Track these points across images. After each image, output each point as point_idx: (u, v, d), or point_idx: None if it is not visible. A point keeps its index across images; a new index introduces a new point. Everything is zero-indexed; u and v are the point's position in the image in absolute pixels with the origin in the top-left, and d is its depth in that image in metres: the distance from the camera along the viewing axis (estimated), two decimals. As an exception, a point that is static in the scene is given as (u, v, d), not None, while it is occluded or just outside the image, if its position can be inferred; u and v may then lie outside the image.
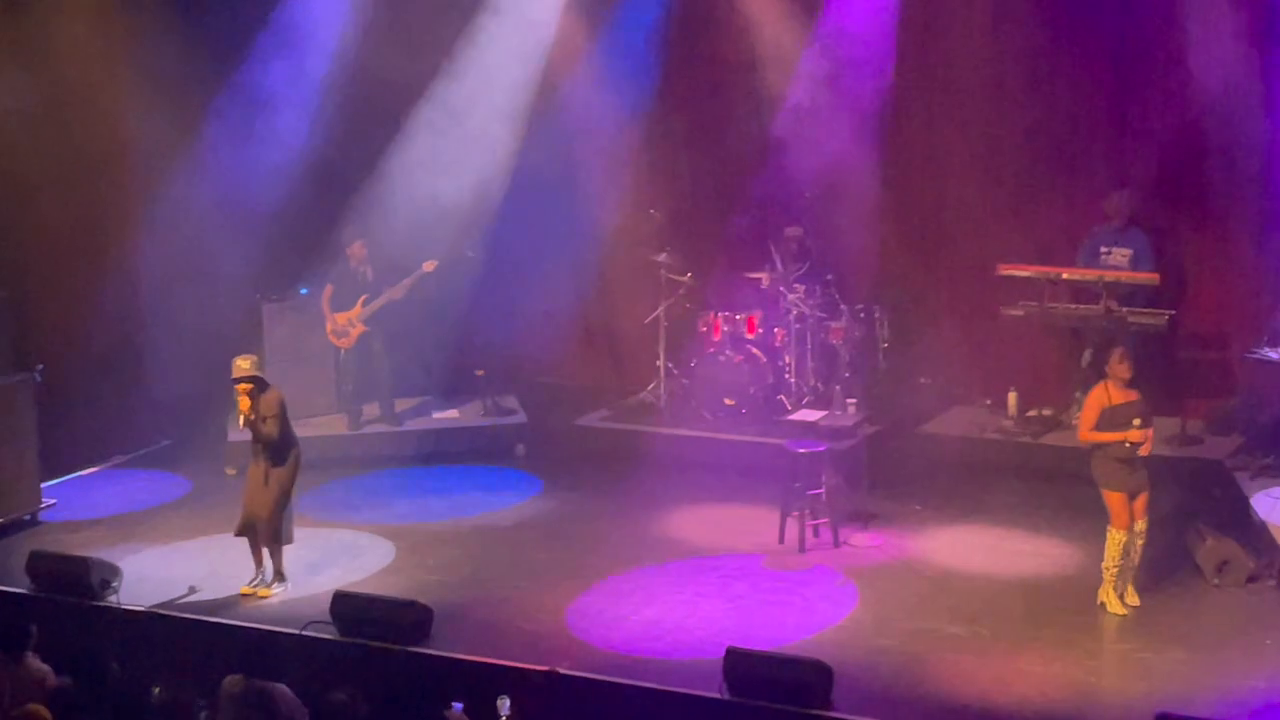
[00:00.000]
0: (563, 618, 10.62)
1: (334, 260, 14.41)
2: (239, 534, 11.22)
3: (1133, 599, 10.43)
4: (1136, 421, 10.17)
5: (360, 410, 14.53)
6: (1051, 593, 10.85)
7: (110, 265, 14.24)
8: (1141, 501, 10.33)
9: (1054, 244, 14.01)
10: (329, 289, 14.33)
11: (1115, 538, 10.27)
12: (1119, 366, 10.29)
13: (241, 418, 10.95)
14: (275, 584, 11.20)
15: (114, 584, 10.93)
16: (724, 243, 15.06)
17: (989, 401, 14.32)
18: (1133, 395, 10.28)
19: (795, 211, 14.60)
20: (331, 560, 11.78)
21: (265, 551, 11.21)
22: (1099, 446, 10.27)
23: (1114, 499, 10.29)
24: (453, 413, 14.97)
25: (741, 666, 9.23)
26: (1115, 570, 10.33)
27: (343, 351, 14.42)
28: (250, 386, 10.94)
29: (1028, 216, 14.24)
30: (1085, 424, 10.30)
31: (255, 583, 11.20)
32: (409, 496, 13.36)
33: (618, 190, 15.16)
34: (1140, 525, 10.34)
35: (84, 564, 10.95)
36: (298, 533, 11.48)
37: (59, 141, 13.89)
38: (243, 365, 11.00)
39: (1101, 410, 10.23)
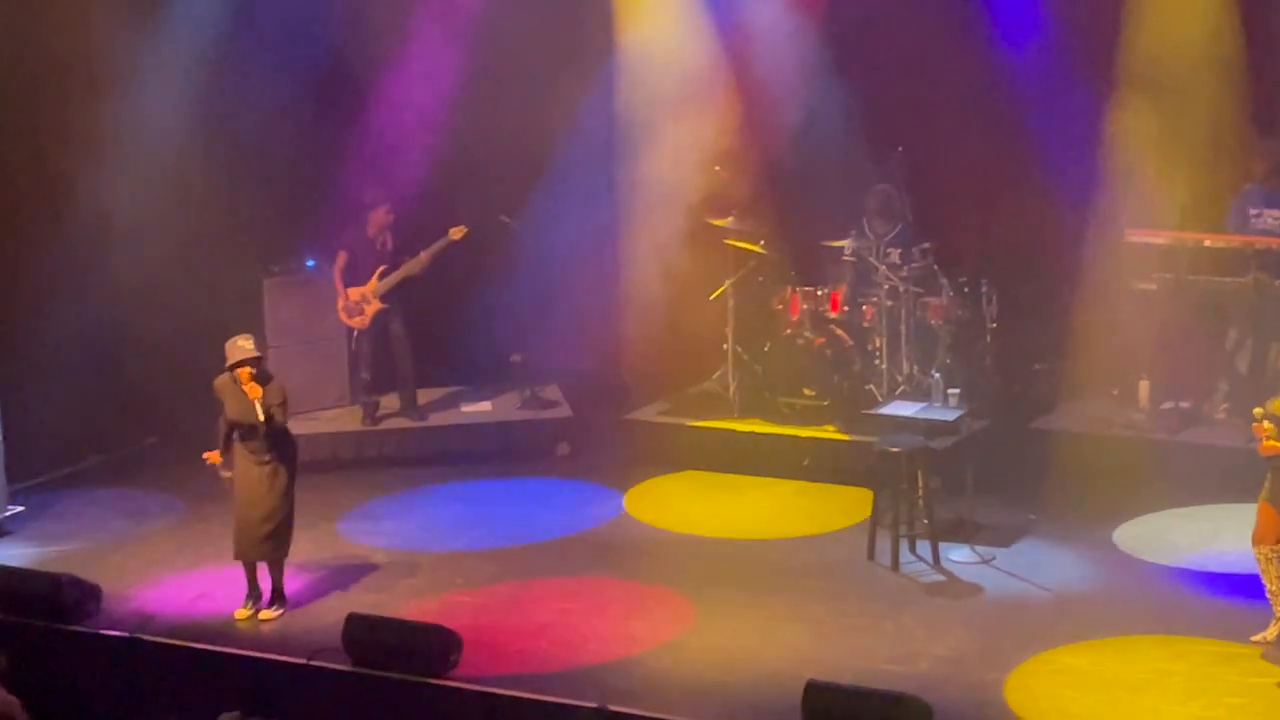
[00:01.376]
0: (613, 644, 10.59)
1: (349, 224, 14.40)
2: (240, 555, 11.23)
3: None
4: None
5: (377, 403, 14.54)
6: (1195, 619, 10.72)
7: (78, 231, 14.21)
8: None
9: (1195, 206, 13.81)
10: (342, 258, 14.33)
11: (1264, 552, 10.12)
12: None
13: (257, 405, 10.90)
14: (275, 605, 11.16)
15: (92, 605, 10.93)
16: (803, 205, 14.93)
17: (1116, 392, 14.17)
18: None
19: (885, 165, 14.45)
20: (342, 578, 11.80)
21: (259, 569, 11.22)
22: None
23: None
24: (485, 405, 14.98)
25: (824, 702, 9.23)
26: None
27: (356, 333, 14.39)
28: (255, 371, 10.95)
29: (1164, 174, 14.03)
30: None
31: (252, 605, 11.18)
32: (434, 503, 13.38)
33: (677, 144, 15.03)
34: None
35: (57, 582, 10.95)
36: (301, 546, 11.47)
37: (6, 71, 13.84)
38: (245, 345, 11.03)
39: None
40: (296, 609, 11.22)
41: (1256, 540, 10.17)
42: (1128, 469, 13.15)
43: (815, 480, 13.36)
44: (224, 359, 11.11)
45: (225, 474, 13.18)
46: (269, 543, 11.10)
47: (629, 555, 12.20)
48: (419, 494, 13.62)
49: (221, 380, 11.13)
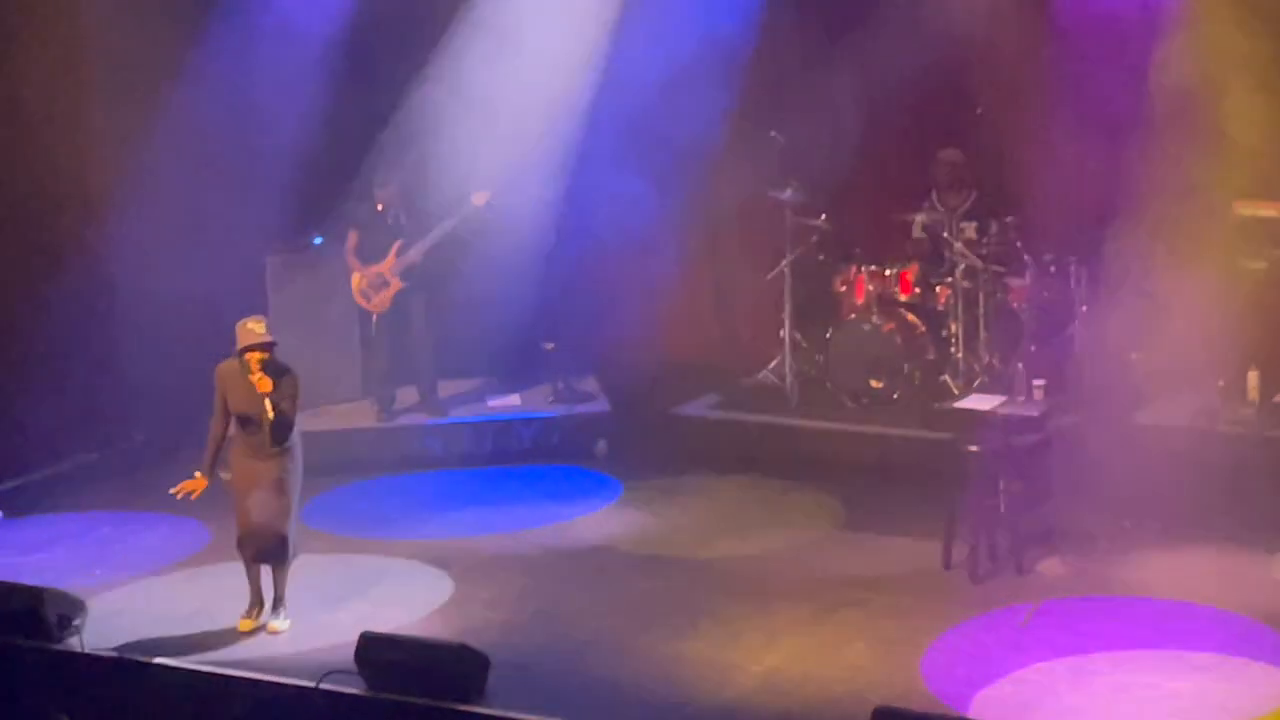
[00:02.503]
0: (660, 667, 10.61)
1: (357, 201, 14.51)
2: (244, 559, 11.30)
3: None
4: None
5: (394, 396, 14.61)
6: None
7: (68, 206, 14.30)
8: None
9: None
10: (353, 236, 14.41)
11: None
12: None
13: (266, 402, 10.95)
14: (281, 616, 11.24)
15: (76, 621, 10.99)
16: (869, 174, 14.92)
17: (1222, 383, 14.12)
18: None
19: (959, 129, 14.43)
20: (355, 591, 11.86)
21: (263, 574, 11.29)
22: None
23: None
24: (514, 399, 15.05)
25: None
26: None
27: (374, 318, 14.45)
28: (267, 356, 10.99)
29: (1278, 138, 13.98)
30: None
31: (256, 614, 11.27)
32: (457, 508, 13.46)
33: (726, 105, 15.04)
34: None
35: (38, 595, 11.00)
36: (308, 556, 11.55)
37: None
38: (257, 329, 11.05)
39: None
40: (305, 623, 11.26)
41: None
42: (1235, 469, 13.12)
43: (883, 482, 13.34)
44: (221, 347, 11.16)
45: (223, 475, 13.28)
46: (274, 545, 11.15)
47: (676, 566, 12.21)
48: (441, 493, 13.72)
49: (226, 365, 11.14)
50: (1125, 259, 14.55)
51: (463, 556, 12.40)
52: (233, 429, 11.25)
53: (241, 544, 11.25)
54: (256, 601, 11.32)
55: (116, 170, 14.40)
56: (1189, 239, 14.26)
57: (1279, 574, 11.70)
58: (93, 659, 10.69)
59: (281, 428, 11.05)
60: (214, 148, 14.59)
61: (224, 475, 13.27)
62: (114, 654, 10.73)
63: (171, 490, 11.28)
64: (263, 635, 11.16)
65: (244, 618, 11.27)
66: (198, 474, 11.21)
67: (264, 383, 10.92)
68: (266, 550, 11.18)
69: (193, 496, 11.26)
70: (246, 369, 10.97)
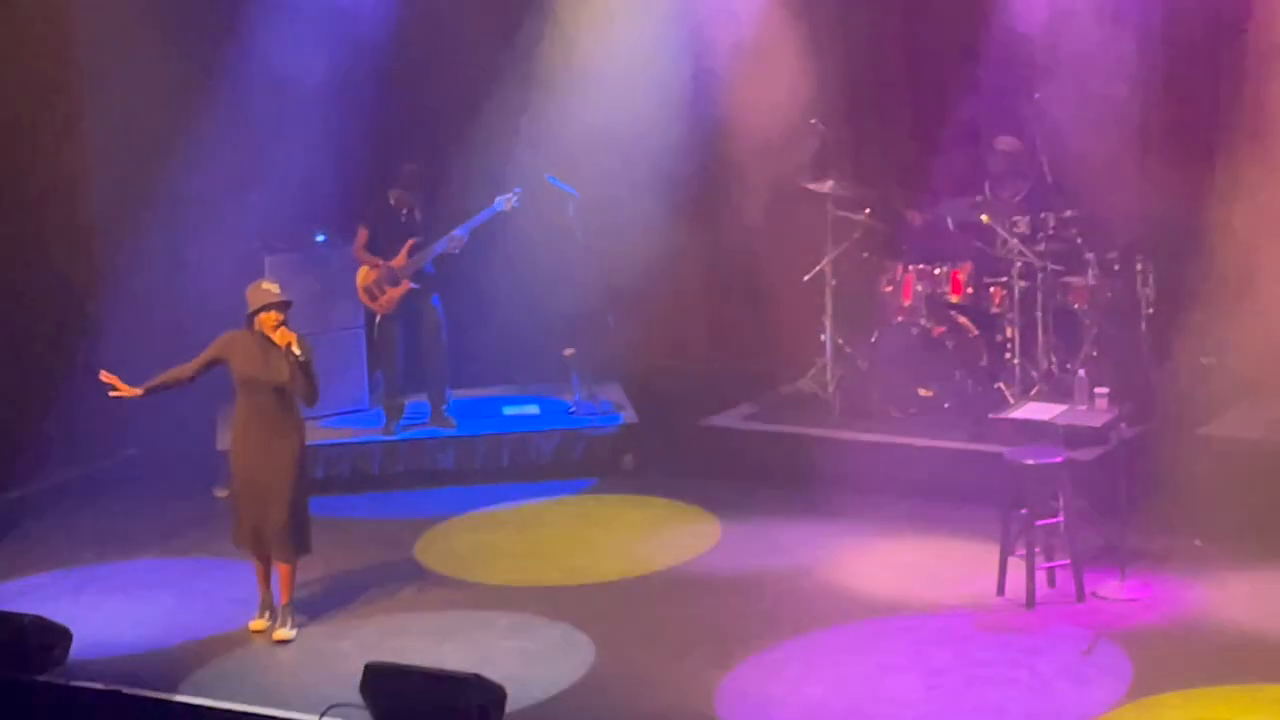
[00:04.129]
0: (695, 700, 10.59)
1: (369, 198, 14.55)
2: (239, 541, 11.44)
3: None
4: None
5: (402, 406, 14.61)
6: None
7: (49, 198, 14.30)
8: None
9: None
10: (363, 233, 14.49)
11: None
12: None
13: (295, 349, 11.10)
14: (289, 623, 11.39)
15: (60, 651, 10.99)
16: (919, 165, 14.89)
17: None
18: None
19: (1018, 116, 14.39)
20: (360, 617, 11.84)
21: (270, 571, 11.47)
22: None
23: None
24: (532, 409, 15.01)
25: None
26: None
27: (379, 319, 14.43)
28: (284, 317, 11.22)
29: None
30: None
31: (269, 615, 11.45)
32: (471, 527, 13.45)
33: (764, 91, 15.02)
34: None
35: (20, 624, 11.00)
36: (309, 575, 11.62)
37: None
38: (273, 289, 11.31)
39: None
40: (305, 651, 11.27)
41: None
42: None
43: (933, 499, 13.30)
44: (215, 352, 11.31)
45: (219, 492, 13.27)
46: (286, 535, 11.29)
47: (707, 587, 12.21)
48: (453, 510, 13.75)
49: (234, 333, 11.34)
50: (1195, 258, 14.52)
51: (476, 581, 12.48)
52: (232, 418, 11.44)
53: (249, 537, 11.38)
54: (267, 599, 11.49)
55: (104, 160, 14.41)
56: (1264, 236, 14.23)
57: None
58: (77, 692, 10.70)
59: (311, 378, 11.19)
60: (209, 135, 14.61)
61: (220, 494, 13.34)
62: (101, 687, 10.73)
63: (102, 376, 11.37)
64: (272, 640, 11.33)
65: (257, 619, 11.51)
66: (135, 390, 11.35)
67: (286, 334, 11.12)
68: (278, 542, 11.32)
69: (113, 392, 11.33)
70: (259, 332, 11.19)
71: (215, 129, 14.63)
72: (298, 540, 11.35)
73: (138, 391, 11.30)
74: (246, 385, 11.29)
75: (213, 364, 11.33)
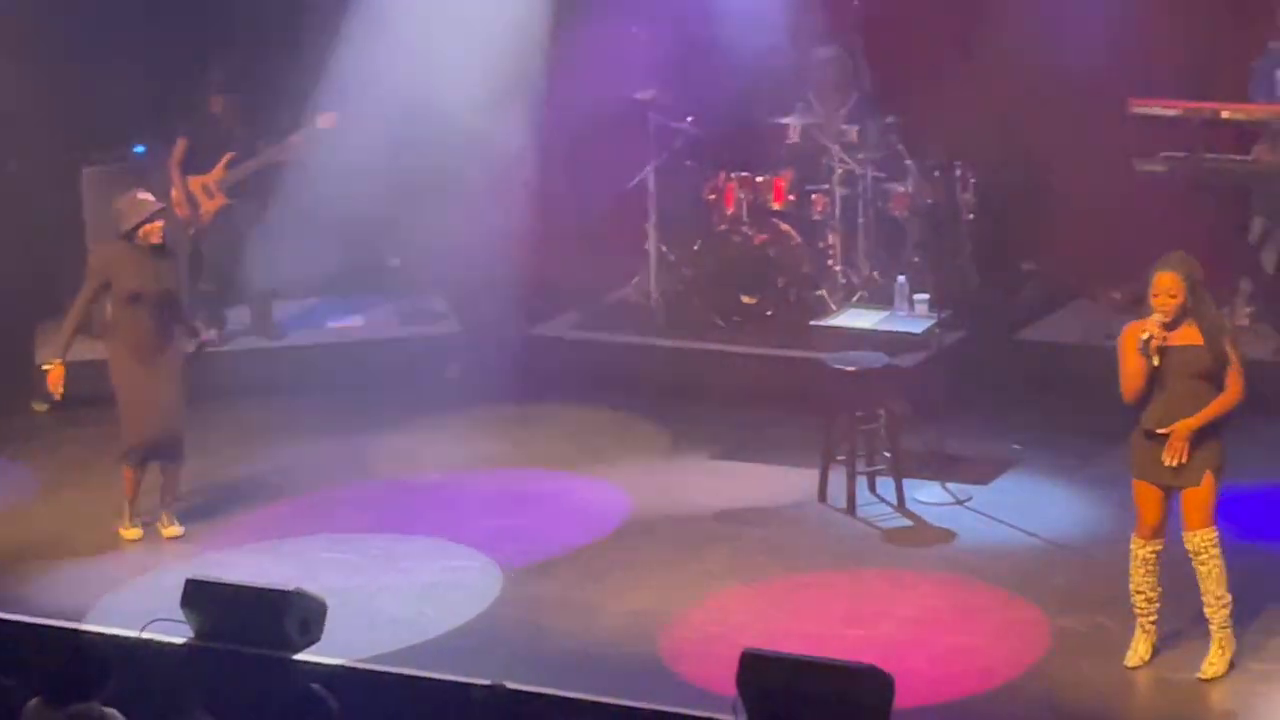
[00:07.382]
0: (515, 608, 10.61)
1: (189, 110, 14.37)
2: (140, 458, 11.54)
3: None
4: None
5: (223, 317, 14.50)
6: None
7: None
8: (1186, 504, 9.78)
9: (1210, 69, 13.85)
10: (181, 144, 14.32)
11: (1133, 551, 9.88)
12: None
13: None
14: (174, 520, 11.72)
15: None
16: (738, 73, 14.89)
17: (1118, 295, 14.25)
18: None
19: (837, 26, 14.44)
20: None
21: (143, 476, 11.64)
22: None
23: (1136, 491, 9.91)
24: (356, 320, 14.98)
25: (763, 675, 9.14)
26: (1140, 604, 9.93)
27: (192, 232, 14.31)
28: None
29: (1177, 31, 14.07)
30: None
31: (140, 522, 11.63)
32: (293, 442, 13.38)
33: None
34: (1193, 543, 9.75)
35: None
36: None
37: None
38: (149, 199, 11.54)
39: None
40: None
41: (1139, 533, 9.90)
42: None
43: (756, 406, 13.38)
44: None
45: (37, 406, 13.16)
46: (177, 442, 11.57)
47: (530, 498, 12.21)
48: (277, 424, 13.65)
49: (109, 248, 11.56)
50: (1014, 164, 14.66)
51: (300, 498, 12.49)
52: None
53: (140, 446, 11.48)
54: (137, 508, 11.66)
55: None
56: (1083, 141, 14.39)
57: None
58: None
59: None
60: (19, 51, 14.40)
61: (38, 408, 13.22)
62: None
63: (50, 389, 11.52)
64: (162, 535, 11.61)
65: (128, 526, 11.64)
66: (56, 361, 11.46)
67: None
68: (170, 449, 11.57)
69: (59, 390, 11.51)
70: (140, 244, 11.32)
71: (24, 46, 14.39)
72: (182, 444, 11.64)
73: (59, 363, 11.46)
74: (134, 298, 11.38)
75: (104, 288, 11.44)
